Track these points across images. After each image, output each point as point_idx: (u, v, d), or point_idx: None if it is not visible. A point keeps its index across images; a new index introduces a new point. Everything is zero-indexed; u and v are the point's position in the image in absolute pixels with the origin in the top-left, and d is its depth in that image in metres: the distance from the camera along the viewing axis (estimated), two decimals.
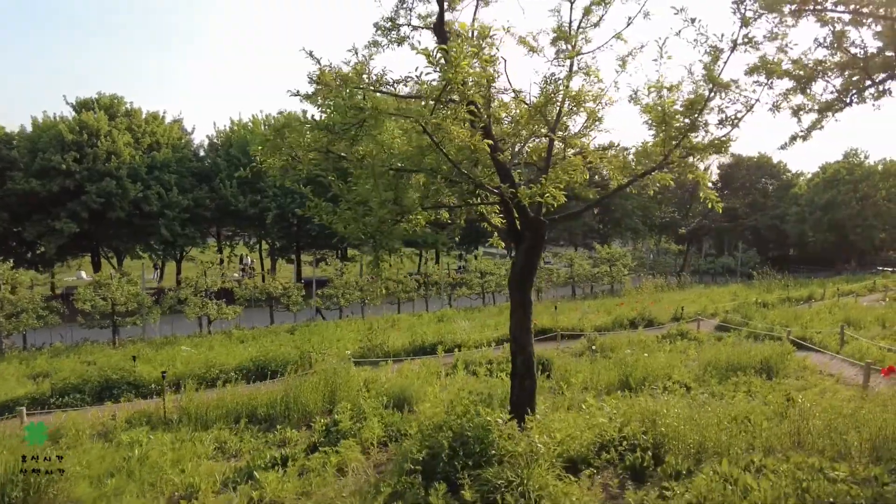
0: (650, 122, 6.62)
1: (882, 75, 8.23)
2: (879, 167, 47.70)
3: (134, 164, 35.69)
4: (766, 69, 7.32)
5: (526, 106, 7.73)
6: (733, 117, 6.42)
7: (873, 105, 8.54)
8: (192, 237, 38.90)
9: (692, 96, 6.92)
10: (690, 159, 7.48)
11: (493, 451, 6.12)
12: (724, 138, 7.16)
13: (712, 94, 6.25)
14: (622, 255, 38.30)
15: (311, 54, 6.97)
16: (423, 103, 6.19)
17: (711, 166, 58.52)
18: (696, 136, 6.60)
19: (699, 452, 6.13)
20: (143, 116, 39.80)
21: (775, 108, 7.72)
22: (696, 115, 6.29)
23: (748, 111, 7.59)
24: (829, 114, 9.00)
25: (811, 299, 24.76)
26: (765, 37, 6.35)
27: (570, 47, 7.83)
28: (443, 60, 5.12)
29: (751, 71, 7.46)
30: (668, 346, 15.19)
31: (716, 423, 6.28)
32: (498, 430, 6.24)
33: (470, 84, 5.65)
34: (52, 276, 41.54)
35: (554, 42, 8.01)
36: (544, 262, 39.06)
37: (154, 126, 39.76)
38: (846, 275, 41.17)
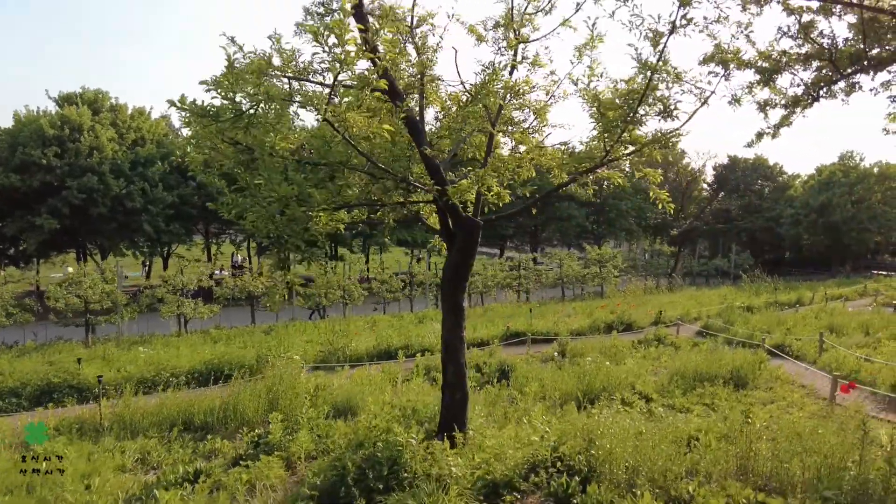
0: (591, 115, 6.06)
1: (853, 68, 7.65)
2: (875, 170, 47.01)
3: (117, 159, 35.15)
4: (722, 59, 6.75)
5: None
6: (673, 107, 5.83)
7: (842, 101, 7.97)
8: (178, 234, 38.36)
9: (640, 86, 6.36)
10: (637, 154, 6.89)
11: (406, 475, 5.57)
12: (671, 132, 6.60)
13: (651, 82, 5.68)
14: (612, 256, 37.68)
15: (232, 40, 6.42)
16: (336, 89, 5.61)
17: (706, 167, 58.03)
18: (638, 129, 6.03)
19: (632, 478, 5.56)
20: (129, 112, 39.26)
21: (735, 101, 7.13)
22: (635, 106, 5.72)
23: (703, 104, 7.05)
24: (798, 109, 8.44)
25: (799, 304, 24.16)
26: (705, 19, 5.77)
27: (513, 35, 7.30)
28: (333, 40, 4.56)
29: (705, 60, 6.89)
30: (641, 352, 14.67)
31: (652, 446, 5.71)
32: (411, 451, 5.68)
33: (374, 66, 5.10)
34: (37, 273, 41.00)
35: (496, 28, 7.47)
36: (534, 263, 38.49)
37: (140, 121, 39.22)
38: (840, 278, 40.54)
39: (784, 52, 7.69)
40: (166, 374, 12.70)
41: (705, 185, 58.33)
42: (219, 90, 5.10)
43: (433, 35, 7.69)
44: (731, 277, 45.41)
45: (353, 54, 4.66)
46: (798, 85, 7.97)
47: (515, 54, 7.31)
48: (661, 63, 5.45)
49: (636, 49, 5.35)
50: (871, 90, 8.15)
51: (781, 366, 12.07)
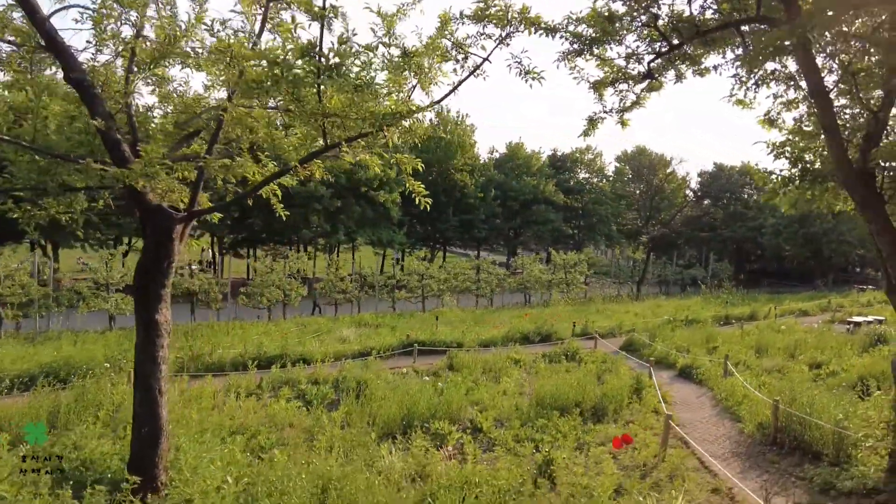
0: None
1: (681, 40, 6.22)
2: None
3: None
4: (489, 15, 5.36)
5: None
6: (335, 63, 4.38)
7: (674, 80, 6.54)
8: (129, 228, 37.07)
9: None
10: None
11: None
12: (418, 110, 5.20)
13: (325, 33, 4.26)
14: (578, 261, 36.16)
15: None
16: None
17: (690, 173, 56.37)
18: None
19: None
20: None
21: (528, 74, 5.71)
22: (311, 67, 4.29)
23: (472, 73, 5.68)
24: (637, 90, 7.01)
25: (752, 318, 22.64)
26: None
27: None
28: None
29: (472, 17, 5.47)
30: (536, 368, 13.19)
31: None
32: None
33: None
34: None
35: None
36: (495, 263, 36.99)
37: None
38: (817, 291, 38.84)
39: (609, 16, 6.22)
40: None
41: (689, 191, 56.64)
42: None
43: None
44: (707, 287, 43.72)
45: None
46: (623, 57, 6.54)
47: (265, 16, 5.92)
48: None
49: None
50: (714, 67, 6.73)
51: (668, 392, 10.62)
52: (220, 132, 5.89)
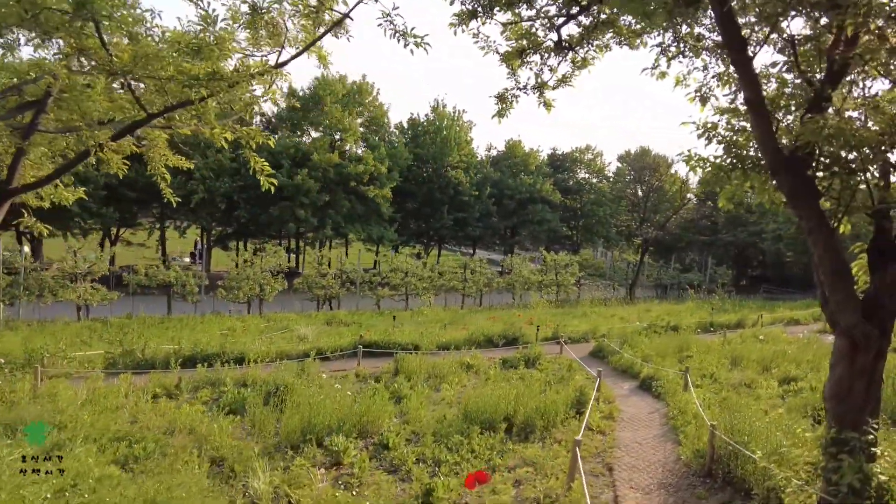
0: None
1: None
2: None
3: None
4: None
5: None
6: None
7: (587, 49, 5.61)
8: (112, 218, 36.54)
9: None
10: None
11: None
12: (256, 70, 4.34)
13: None
14: (568, 262, 35.19)
15: None
16: None
17: (688, 174, 55.01)
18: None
19: None
20: None
21: (403, 36, 4.84)
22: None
23: (328, 31, 4.82)
24: (553, 63, 6.08)
25: (739, 326, 21.60)
26: None
27: None
28: None
29: None
30: (486, 375, 12.28)
31: None
32: None
33: None
34: None
35: None
36: (482, 261, 36.05)
37: None
38: (814, 299, 37.51)
39: None
40: None
41: (691, 195, 55.27)
42: None
43: None
44: (704, 292, 42.49)
45: None
46: (528, 19, 5.61)
47: None
48: None
49: None
50: (637, 35, 5.80)
51: (619, 406, 9.69)
52: (49, 101, 5.05)
